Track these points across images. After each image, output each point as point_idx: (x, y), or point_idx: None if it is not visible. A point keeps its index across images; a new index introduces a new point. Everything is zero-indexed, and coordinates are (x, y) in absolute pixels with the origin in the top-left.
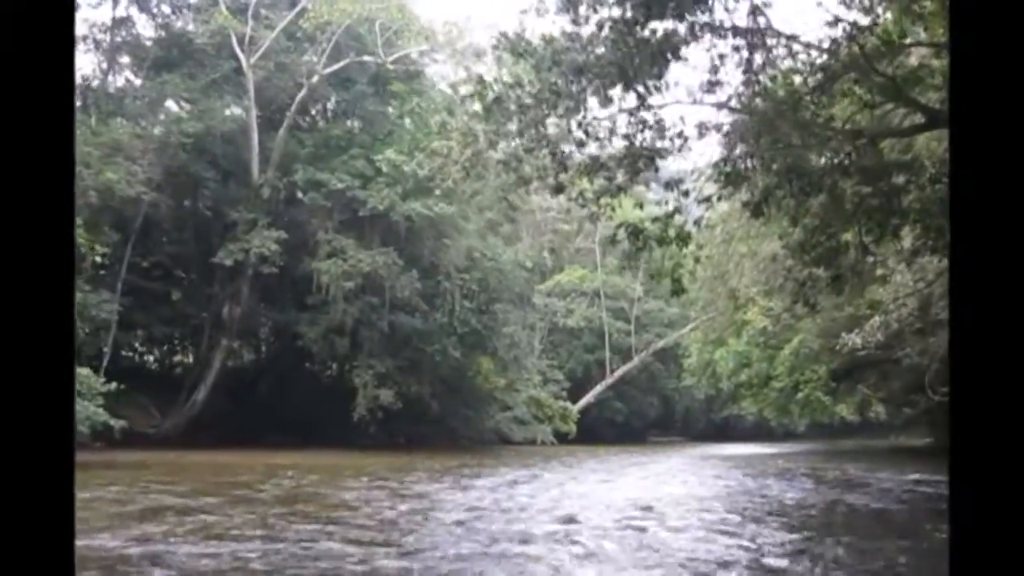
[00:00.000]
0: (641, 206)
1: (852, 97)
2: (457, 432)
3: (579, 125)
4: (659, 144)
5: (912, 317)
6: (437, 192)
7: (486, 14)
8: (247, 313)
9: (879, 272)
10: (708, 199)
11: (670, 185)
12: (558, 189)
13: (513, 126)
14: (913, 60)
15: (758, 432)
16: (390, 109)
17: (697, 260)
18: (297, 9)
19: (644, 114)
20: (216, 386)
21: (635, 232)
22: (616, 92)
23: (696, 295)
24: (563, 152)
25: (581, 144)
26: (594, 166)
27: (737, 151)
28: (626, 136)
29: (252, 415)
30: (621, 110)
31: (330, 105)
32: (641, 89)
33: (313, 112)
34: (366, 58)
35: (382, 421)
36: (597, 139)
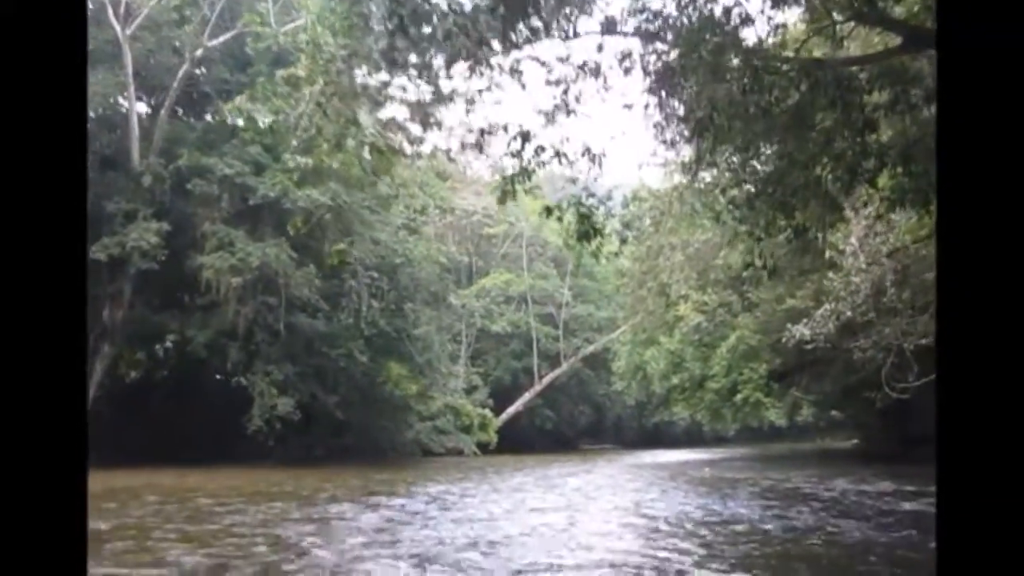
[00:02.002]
0: None
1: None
2: (378, 444)
3: None
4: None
5: (865, 305)
6: (294, 142)
7: None
8: (132, 316)
9: (828, 255)
10: (629, 106)
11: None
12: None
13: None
14: None
15: (689, 437)
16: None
17: (624, 240)
18: None
19: None
20: (99, 398)
21: (523, 135)
22: None
23: (625, 292)
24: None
25: (444, 16)
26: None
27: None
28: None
29: (140, 430)
30: None
31: (221, 84)
32: None
33: (202, 91)
34: (257, 29)
35: (287, 434)
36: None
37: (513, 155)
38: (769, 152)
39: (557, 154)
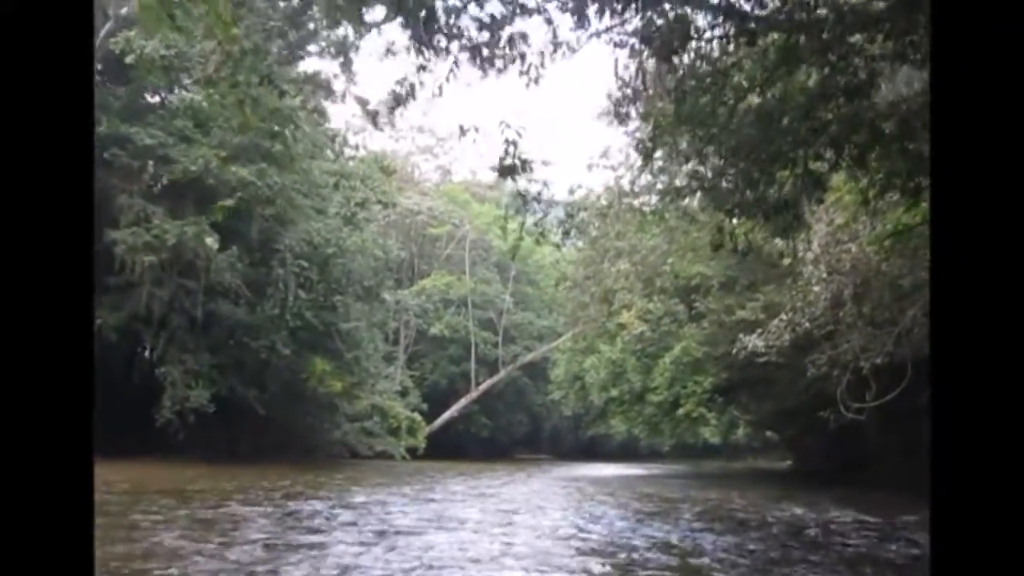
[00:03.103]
0: None
1: None
2: (304, 443)
3: None
4: None
5: (823, 318)
6: (190, 82)
7: None
8: None
9: (786, 262)
10: (584, 23)
11: None
12: None
13: None
14: None
15: (625, 451)
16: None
17: (567, 232)
18: None
19: None
20: None
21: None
22: None
23: (566, 297)
24: None
25: None
26: None
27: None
28: None
29: None
30: None
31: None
32: None
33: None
34: None
35: (206, 428)
36: None
37: (417, 46)
38: (742, 111)
39: (482, 58)
